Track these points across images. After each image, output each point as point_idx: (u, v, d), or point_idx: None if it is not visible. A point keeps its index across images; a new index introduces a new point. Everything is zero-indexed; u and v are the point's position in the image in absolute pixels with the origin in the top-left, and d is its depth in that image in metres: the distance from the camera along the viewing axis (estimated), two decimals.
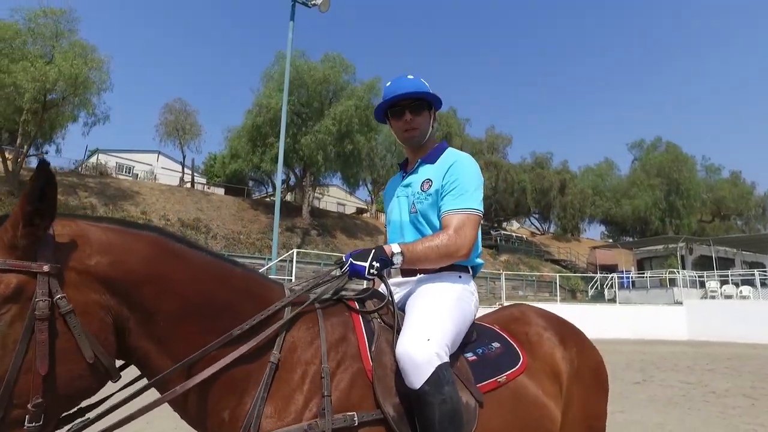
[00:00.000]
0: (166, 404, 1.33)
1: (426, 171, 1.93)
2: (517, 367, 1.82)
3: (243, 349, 1.35)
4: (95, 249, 1.22)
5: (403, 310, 1.76)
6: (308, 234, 26.86)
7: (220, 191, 34.37)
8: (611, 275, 27.50)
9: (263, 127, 25.62)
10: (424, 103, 1.94)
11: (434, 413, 1.42)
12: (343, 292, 1.72)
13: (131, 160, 38.51)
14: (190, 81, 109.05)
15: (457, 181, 1.81)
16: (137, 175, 35.10)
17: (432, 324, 1.60)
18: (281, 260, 16.99)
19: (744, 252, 29.68)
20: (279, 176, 16.24)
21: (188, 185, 33.96)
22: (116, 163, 36.22)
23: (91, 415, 1.29)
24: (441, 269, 1.83)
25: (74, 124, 24.09)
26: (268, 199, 36.52)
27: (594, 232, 54.22)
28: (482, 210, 1.84)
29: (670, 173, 42.84)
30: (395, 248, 1.66)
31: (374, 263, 1.60)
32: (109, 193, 23.60)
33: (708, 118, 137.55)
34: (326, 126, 25.60)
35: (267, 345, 1.41)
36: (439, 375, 1.46)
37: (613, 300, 25.21)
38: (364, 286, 1.82)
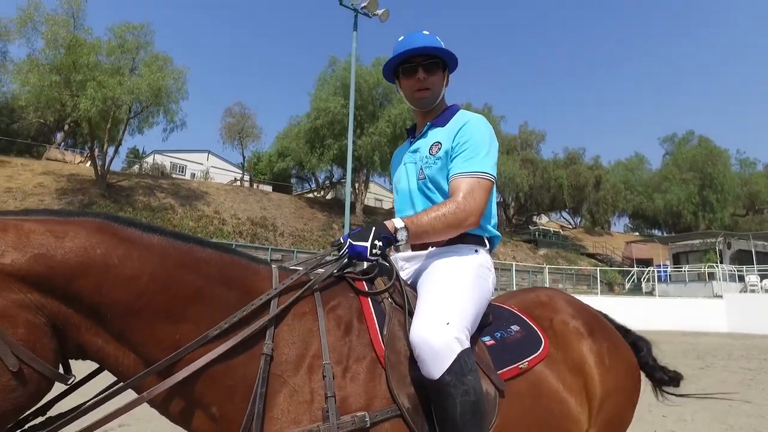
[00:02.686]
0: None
1: (435, 134, 1.78)
2: (538, 352, 1.68)
3: (221, 348, 1.23)
4: (10, 244, 1.09)
5: (414, 287, 1.63)
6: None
7: (268, 188, 36.12)
8: (648, 269, 28.13)
9: (321, 129, 27.28)
10: (439, 61, 1.79)
11: (455, 406, 1.30)
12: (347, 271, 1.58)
13: (184, 159, 40.07)
14: (235, 80, 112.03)
15: (468, 142, 1.67)
16: (194, 174, 36.86)
17: (450, 305, 1.46)
18: None
19: None
20: (348, 178, 17.48)
21: (238, 183, 35.72)
22: (170, 162, 38.05)
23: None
24: (454, 241, 1.68)
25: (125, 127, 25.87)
26: (310, 195, 38.08)
27: (618, 225, 54.49)
28: (495, 175, 1.69)
29: (703, 167, 42.89)
30: (398, 223, 1.52)
31: (376, 242, 1.45)
32: (182, 194, 25.14)
33: (744, 111, 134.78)
34: (381, 128, 27.13)
35: (254, 336, 1.29)
36: (461, 363, 1.34)
37: (650, 293, 25.84)
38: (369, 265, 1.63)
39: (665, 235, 45.29)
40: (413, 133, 1.95)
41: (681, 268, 27.66)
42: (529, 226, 39.69)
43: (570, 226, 51.02)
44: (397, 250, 1.80)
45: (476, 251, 1.70)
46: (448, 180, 1.69)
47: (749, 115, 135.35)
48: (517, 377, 1.57)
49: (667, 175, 45.26)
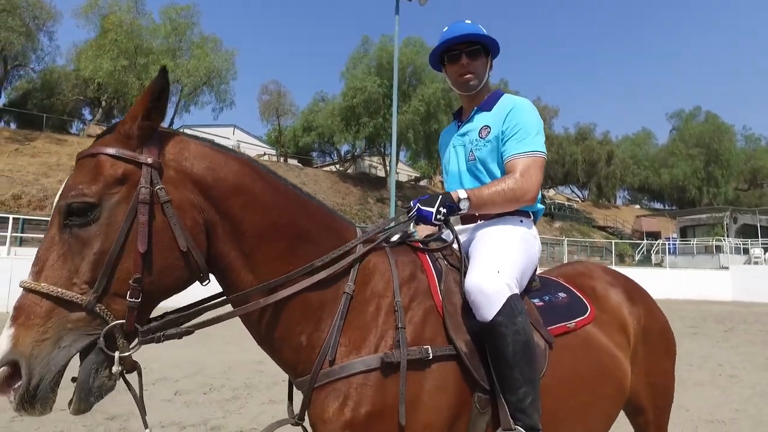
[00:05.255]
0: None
1: (483, 118, 1.88)
2: (585, 315, 1.81)
3: (320, 275, 1.41)
4: (193, 155, 1.32)
5: (466, 256, 1.71)
6: (395, 204, 29.77)
7: (293, 161, 37.06)
8: (658, 241, 29.47)
9: (357, 107, 28.11)
10: (481, 48, 1.88)
11: (507, 345, 1.40)
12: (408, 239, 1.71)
13: (211, 134, 40.21)
14: (259, 54, 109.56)
15: (519, 125, 1.76)
16: None
17: (500, 257, 1.60)
18: None
19: None
20: (393, 155, 18.64)
21: (267, 158, 36.60)
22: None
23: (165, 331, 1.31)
24: (501, 214, 1.78)
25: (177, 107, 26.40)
26: (332, 167, 39.03)
27: (620, 198, 55.12)
28: (546, 152, 1.79)
29: (710, 143, 43.74)
30: (462, 194, 1.64)
31: (441, 209, 1.58)
32: None
33: (752, 88, 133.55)
34: (415, 106, 27.88)
35: (341, 277, 1.47)
36: (511, 305, 1.44)
37: (659, 264, 27.15)
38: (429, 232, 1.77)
39: (668, 208, 46.74)
40: (460, 116, 2.05)
41: (689, 241, 28.94)
42: (545, 200, 41.05)
43: (578, 199, 52.11)
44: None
45: (521, 222, 1.82)
46: (500, 162, 1.81)
47: (758, 90, 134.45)
48: (565, 334, 1.71)
49: (674, 151, 46.27)
